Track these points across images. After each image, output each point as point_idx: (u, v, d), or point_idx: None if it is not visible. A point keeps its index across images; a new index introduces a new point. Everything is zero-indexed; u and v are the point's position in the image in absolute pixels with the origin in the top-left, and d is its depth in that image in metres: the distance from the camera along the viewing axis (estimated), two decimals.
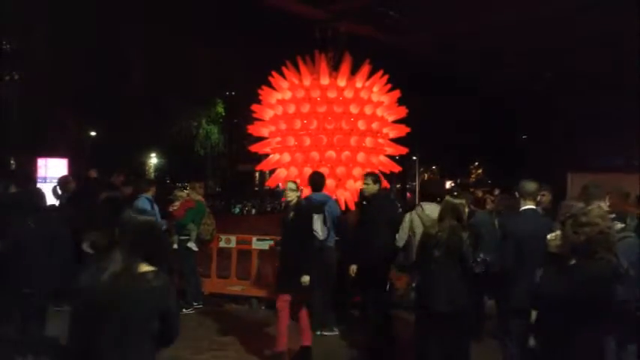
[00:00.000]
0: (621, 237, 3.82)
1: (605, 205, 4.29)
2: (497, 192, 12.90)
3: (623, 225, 3.94)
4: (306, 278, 5.09)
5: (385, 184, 10.16)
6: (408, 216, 5.22)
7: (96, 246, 4.96)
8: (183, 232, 7.19)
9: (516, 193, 4.63)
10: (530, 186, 4.38)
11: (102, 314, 2.42)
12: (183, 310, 6.96)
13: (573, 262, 2.78)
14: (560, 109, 19.71)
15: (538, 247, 3.82)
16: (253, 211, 31.03)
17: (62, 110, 18.69)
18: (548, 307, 2.85)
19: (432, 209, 4.95)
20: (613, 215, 4.05)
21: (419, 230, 4.88)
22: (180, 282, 7.08)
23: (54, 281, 4.65)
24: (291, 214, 5.32)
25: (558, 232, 2.79)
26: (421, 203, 5.23)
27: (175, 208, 7.26)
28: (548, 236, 2.79)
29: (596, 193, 4.28)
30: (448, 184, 40.28)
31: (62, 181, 8.03)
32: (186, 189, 8.09)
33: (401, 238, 5.20)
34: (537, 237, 3.84)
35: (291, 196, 5.39)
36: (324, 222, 6.17)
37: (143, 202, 6.68)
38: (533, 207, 4.40)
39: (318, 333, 5.98)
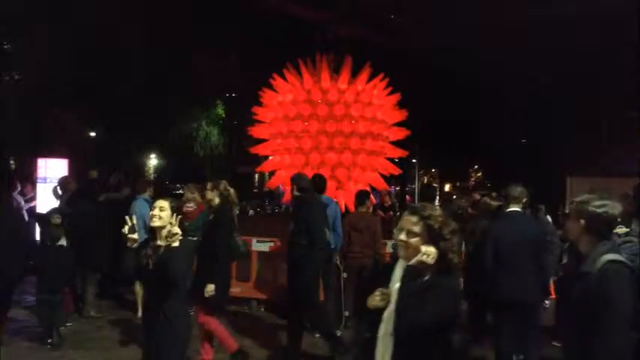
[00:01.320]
0: (624, 241, 3.80)
1: None
2: (494, 194, 12.95)
3: (627, 229, 3.88)
4: (210, 287, 4.72)
5: (384, 186, 10.22)
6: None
7: (52, 236, 5.74)
8: (194, 234, 7.17)
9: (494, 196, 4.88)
10: (516, 190, 4.65)
11: None
12: None
13: (428, 277, 2.34)
14: (561, 112, 19.75)
15: (522, 247, 4.38)
16: (251, 212, 31.06)
17: (62, 110, 18.69)
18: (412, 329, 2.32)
19: None
20: (618, 219, 4.03)
21: None
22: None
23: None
24: (211, 216, 5.02)
25: (432, 249, 2.32)
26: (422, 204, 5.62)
27: (191, 208, 7.20)
28: (424, 249, 2.31)
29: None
30: (447, 187, 40.43)
31: (62, 182, 8.04)
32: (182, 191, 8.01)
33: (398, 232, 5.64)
34: (523, 237, 4.42)
35: (210, 196, 4.98)
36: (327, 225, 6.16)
37: (141, 202, 6.66)
38: (519, 209, 4.65)
39: (318, 335, 5.98)
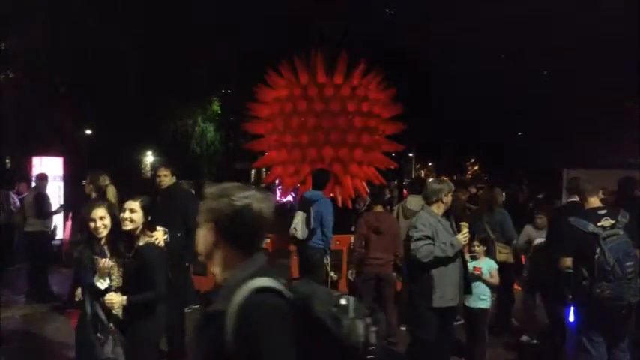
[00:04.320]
0: (610, 234, 3.78)
1: (597, 200, 4.25)
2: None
3: (613, 222, 3.85)
4: None
5: (381, 181, 10.20)
6: (397, 206, 6.54)
7: None
8: None
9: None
10: (570, 182, 5.24)
11: None
12: None
13: None
14: (558, 106, 19.75)
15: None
16: None
17: (58, 109, 18.61)
18: None
19: (414, 201, 5.96)
20: (604, 211, 4.01)
21: (401, 218, 6.05)
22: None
23: None
24: None
25: None
26: (409, 196, 6.30)
27: None
28: None
29: (588, 188, 4.25)
30: None
31: (39, 179, 7.99)
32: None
33: None
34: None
35: (87, 191, 4.96)
36: (306, 221, 5.76)
37: None
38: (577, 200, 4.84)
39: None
